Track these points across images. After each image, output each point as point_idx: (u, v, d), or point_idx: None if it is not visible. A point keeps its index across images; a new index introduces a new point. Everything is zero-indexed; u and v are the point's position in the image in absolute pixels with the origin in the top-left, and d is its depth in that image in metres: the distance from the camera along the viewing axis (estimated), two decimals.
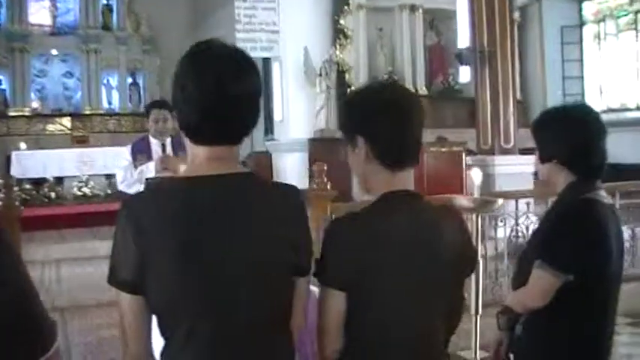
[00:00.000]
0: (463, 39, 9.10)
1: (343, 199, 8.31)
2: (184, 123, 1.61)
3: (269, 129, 14.07)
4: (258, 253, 1.57)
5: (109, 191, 10.92)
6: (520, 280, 2.42)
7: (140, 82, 19.55)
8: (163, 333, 1.60)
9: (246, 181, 1.63)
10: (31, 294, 1.63)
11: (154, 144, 5.07)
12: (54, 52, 18.61)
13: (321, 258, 1.72)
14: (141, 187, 4.82)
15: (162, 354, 1.61)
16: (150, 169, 4.86)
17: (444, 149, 8.65)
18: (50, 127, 18.14)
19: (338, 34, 13.24)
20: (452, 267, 1.79)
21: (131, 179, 4.90)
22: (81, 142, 15.25)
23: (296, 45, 12.60)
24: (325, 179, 5.35)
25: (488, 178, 7.77)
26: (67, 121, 18.39)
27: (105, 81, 19.07)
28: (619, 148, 12.02)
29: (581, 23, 14.82)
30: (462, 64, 8.90)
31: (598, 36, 14.69)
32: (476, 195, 3.63)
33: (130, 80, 19.41)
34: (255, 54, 13.06)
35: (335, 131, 12.45)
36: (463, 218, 1.96)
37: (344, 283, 1.69)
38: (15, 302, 1.54)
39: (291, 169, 12.49)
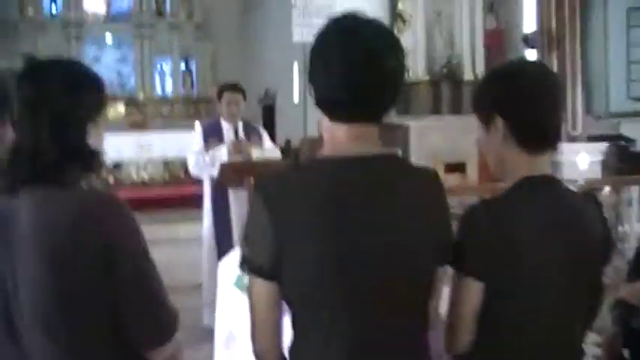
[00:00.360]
0: (529, 23, 8.87)
1: None
2: (325, 99, 1.55)
3: None
4: (404, 241, 1.50)
5: (166, 177, 10.98)
6: (638, 271, 2.30)
7: (193, 67, 19.69)
8: (297, 324, 1.52)
9: (392, 163, 1.56)
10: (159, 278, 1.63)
11: (226, 127, 5.05)
12: (108, 38, 18.84)
13: (457, 246, 1.62)
14: (213, 171, 4.80)
15: (294, 346, 1.54)
16: (223, 153, 4.84)
17: None
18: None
19: (396, 18, 13.04)
20: (594, 255, 1.69)
21: (203, 163, 4.89)
22: (138, 126, 15.39)
23: None
24: None
25: (555, 166, 7.58)
26: (121, 107, 18.62)
27: (158, 67, 19.27)
28: None
29: None
30: (528, 47, 8.64)
31: None
32: (580, 181, 3.49)
33: (183, 66, 19.56)
34: (312, 39, 13.02)
35: (393, 117, 12.35)
36: (602, 205, 1.85)
37: (484, 272, 1.61)
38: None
39: None
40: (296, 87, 17.47)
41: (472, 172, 10.18)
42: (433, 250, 1.54)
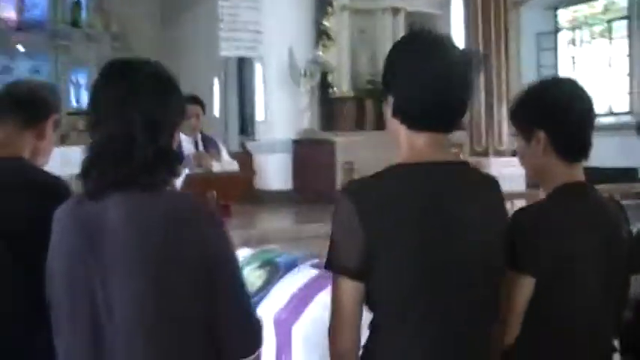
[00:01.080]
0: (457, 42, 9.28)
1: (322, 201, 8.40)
2: (405, 109, 1.64)
3: (250, 129, 14.10)
4: (483, 244, 1.62)
5: None
6: None
7: None
8: (380, 325, 1.62)
9: (465, 169, 1.69)
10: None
11: (185, 140, 5.04)
12: (20, 48, 18.27)
13: (510, 245, 1.75)
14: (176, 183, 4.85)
15: (373, 346, 1.62)
16: (183, 166, 4.87)
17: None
18: None
19: (321, 35, 13.31)
20: (625, 258, 1.89)
21: None
22: (61, 142, 14.97)
23: (279, 45, 12.62)
24: None
25: None
26: None
27: (74, 79, 18.80)
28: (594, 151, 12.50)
29: (556, 30, 15.21)
30: None
31: (573, 42, 15.11)
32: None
33: None
34: (239, 53, 13.16)
35: (318, 132, 12.59)
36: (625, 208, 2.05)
37: (538, 270, 1.76)
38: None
39: (274, 169, 12.50)
40: (217, 101, 17.47)
41: None
42: (502, 251, 1.68)
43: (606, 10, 14.39)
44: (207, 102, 17.66)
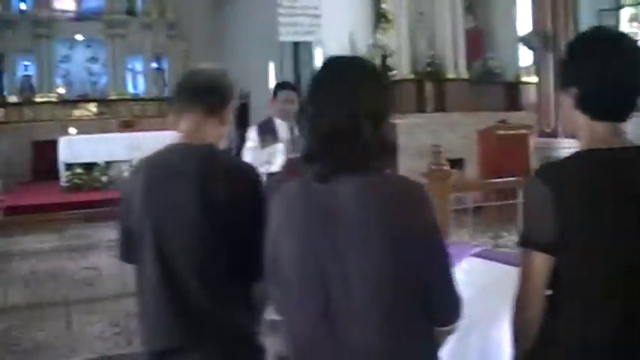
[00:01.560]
0: (523, 24, 9.25)
1: None
2: (591, 102, 1.74)
3: None
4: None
5: None
6: None
7: (165, 66, 19.67)
8: (562, 299, 1.73)
9: None
10: None
11: (280, 125, 5.19)
12: (78, 37, 18.72)
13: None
14: (271, 167, 4.98)
15: (553, 320, 1.74)
16: (280, 150, 5.00)
17: (512, 131, 8.83)
18: (76, 113, 18.28)
19: (379, 18, 13.36)
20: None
21: (260, 160, 5.02)
22: (127, 127, 15.37)
23: (338, 29, 12.73)
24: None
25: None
26: (92, 107, 18.54)
27: (130, 66, 19.21)
28: None
29: (619, 6, 14.96)
30: (528, 48, 9.04)
31: (636, 19, 14.84)
32: None
33: (154, 65, 19.54)
34: (298, 38, 13.29)
35: None
36: None
37: (549, 245, 1.72)
38: None
39: None
40: (272, 86, 17.58)
41: (470, 168, 10.55)
42: None
43: None
44: (263, 86, 18.00)
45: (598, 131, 1.74)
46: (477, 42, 14.91)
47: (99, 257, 6.08)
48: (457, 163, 9.79)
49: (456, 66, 13.85)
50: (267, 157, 5.06)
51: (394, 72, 13.30)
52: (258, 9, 17.53)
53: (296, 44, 16.25)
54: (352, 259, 1.59)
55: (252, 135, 5.23)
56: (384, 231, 1.59)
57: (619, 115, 1.73)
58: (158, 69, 19.57)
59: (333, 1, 12.68)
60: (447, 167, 4.93)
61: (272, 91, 5.44)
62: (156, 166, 2.07)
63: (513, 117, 11.62)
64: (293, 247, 1.68)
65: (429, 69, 13.57)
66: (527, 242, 1.74)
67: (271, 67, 17.69)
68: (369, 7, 13.26)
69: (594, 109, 1.73)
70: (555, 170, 1.75)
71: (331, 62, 1.82)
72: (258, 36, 17.57)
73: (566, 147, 8.75)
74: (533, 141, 8.53)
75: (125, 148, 11.76)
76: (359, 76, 1.73)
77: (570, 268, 1.68)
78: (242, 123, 19.30)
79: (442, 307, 1.72)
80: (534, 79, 15.22)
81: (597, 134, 1.73)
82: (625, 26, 14.96)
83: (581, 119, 1.75)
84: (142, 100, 19.11)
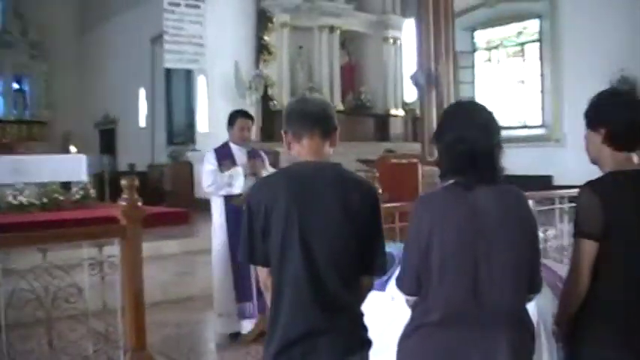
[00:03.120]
0: (409, 63, 10.19)
1: None
2: (617, 139, 2.43)
3: (190, 140, 14.57)
4: None
5: (44, 200, 10.91)
6: None
7: (27, 87, 19.13)
8: (602, 284, 2.39)
9: None
10: None
11: (237, 150, 5.60)
12: None
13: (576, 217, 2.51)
14: (231, 190, 5.40)
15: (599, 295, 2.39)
16: (239, 173, 5.43)
17: (405, 160, 9.69)
18: None
19: (262, 50, 14.01)
20: None
21: (221, 182, 5.41)
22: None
23: (222, 59, 13.20)
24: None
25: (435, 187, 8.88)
26: None
27: None
28: (511, 161, 13.82)
29: (474, 49, 16.61)
30: (416, 86, 10.01)
31: (489, 61, 16.58)
32: None
33: (15, 86, 18.94)
34: (182, 65, 13.60)
35: (262, 143, 13.22)
36: None
37: (597, 234, 2.37)
38: None
39: None
40: (143, 112, 17.64)
41: None
42: None
43: (519, 33, 15.96)
44: (133, 112, 17.92)
45: (619, 158, 2.45)
46: (351, 76, 16.03)
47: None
48: None
49: (332, 98, 14.81)
50: (227, 179, 5.44)
51: (275, 102, 14.01)
52: (130, 34, 17.59)
53: (168, 71, 16.46)
54: (496, 245, 2.20)
55: (210, 159, 5.58)
56: (516, 224, 2.26)
57: (632, 148, 2.46)
58: (19, 90, 18.95)
59: (217, 31, 13.14)
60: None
61: (228, 117, 5.78)
62: (294, 178, 2.44)
63: (406, 147, 12.75)
64: (451, 238, 2.20)
65: None
66: (580, 233, 2.40)
67: (142, 92, 17.73)
68: (252, 39, 13.88)
69: (619, 144, 2.44)
70: (598, 183, 2.45)
71: (464, 102, 2.45)
72: (128, 61, 17.61)
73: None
74: (422, 169, 9.39)
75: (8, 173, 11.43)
76: (489, 114, 2.35)
77: (611, 253, 2.37)
78: (108, 148, 19.24)
79: (538, 277, 2.38)
80: (401, 112, 16.57)
81: (619, 161, 2.46)
82: (479, 66, 16.68)
83: (606, 151, 2.46)
84: (1, 122, 18.44)
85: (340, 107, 15.00)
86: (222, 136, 13.05)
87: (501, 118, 13.13)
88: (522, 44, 16.04)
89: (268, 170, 5.57)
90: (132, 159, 18.02)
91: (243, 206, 2.57)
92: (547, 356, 3.01)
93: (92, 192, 11.56)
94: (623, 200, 2.36)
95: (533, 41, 15.69)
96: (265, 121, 13.74)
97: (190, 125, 15.63)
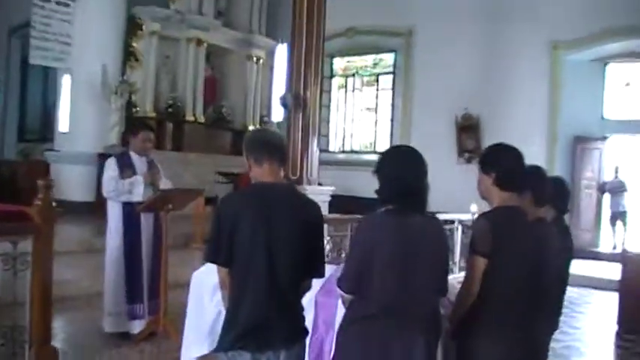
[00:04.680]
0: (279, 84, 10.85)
1: None
2: (503, 181, 3.08)
3: (49, 139, 14.39)
4: None
5: None
6: None
7: None
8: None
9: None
10: None
11: (137, 160, 5.97)
12: None
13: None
14: (132, 198, 5.76)
15: None
16: (139, 182, 5.80)
17: None
18: None
19: (129, 55, 14.20)
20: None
21: (122, 189, 5.75)
22: None
23: (89, 59, 13.21)
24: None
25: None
26: None
27: None
28: (360, 184, 14.86)
29: (331, 75, 17.65)
30: (284, 107, 10.68)
31: (345, 87, 17.69)
32: None
33: None
34: (48, 62, 13.49)
35: (120, 148, 13.34)
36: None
37: (487, 252, 2.97)
38: None
39: (75, 180, 12.92)
40: None
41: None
42: None
43: (375, 64, 17.26)
44: None
45: (504, 197, 3.12)
46: (213, 89, 16.55)
47: None
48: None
49: (195, 109, 15.26)
50: (128, 187, 5.79)
51: (137, 109, 14.22)
52: None
53: (24, 65, 16.09)
54: (420, 260, 2.83)
55: (112, 165, 5.89)
56: (435, 246, 2.93)
57: (517, 188, 3.21)
58: None
59: (85, 32, 13.18)
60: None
61: (131, 128, 6.12)
62: (260, 195, 2.95)
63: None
64: (389, 253, 2.79)
65: (169, 109, 14.75)
66: (474, 251, 3.03)
67: None
68: (120, 43, 14.00)
69: (505, 186, 3.17)
70: (490, 214, 3.11)
71: (402, 146, 3.16)
72: None
73: (312, 193, 10.46)
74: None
75: None
76: (422, 158, 2.96)
77: (496, 268, 2.98)
78: None
79: (446, 286, 3.03)
80: (258, 127, 17.27)
81: (504, 198, 3.12)
82: (335, 92, 17.75)
83: (495, 190, 3.20)
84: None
85: (201, 119, 15.53)
86: (83, 137, 13.31)
87: (351, 142, 14.27)
88: (377, 74, 17.31)
89: (165, 181, 6.02)
90: None
91: (215, 216, 2.97)
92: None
93: None
94: (507, 228, 3.04)
95: (387, 73, 17.01)
96: (127, 128, 13.82)
97: (45, 123, 15.43)
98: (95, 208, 12.50)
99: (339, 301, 3.99)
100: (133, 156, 5.99)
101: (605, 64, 14.13)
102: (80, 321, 6.23)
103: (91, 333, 5.93)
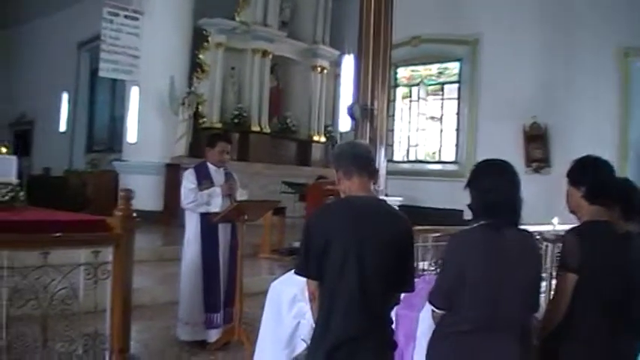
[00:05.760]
0: (346, 95, 10.88)
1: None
2: (594, 195, 3.09)
3: (116, 149, 14.73)
4: None
5: None
6: None
7: None
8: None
9: None
10: None
11: (214, 171, 6.06)
12: None
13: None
14: (210, 209, 5.85)
15: None
16: (217, 193, 5.89)
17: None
18: None
19: (196, 67, 14.47)
20: None
21: (200, 200, 5.85)
22: None
23: (156, 72, 13.56)
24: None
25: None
26: None
27: None
28: (425, 194, 14.75)
29: (395, 85, 17.61)
30: (351, 117, 10.70)
31: (409, 96, 17.63)
32: None
33: None
34: (117, 75, 13.88)
35: (188, 159, 13.57)
36: None
37: (576, 267, 2.98)
38: None
39: (143, 190, 13.18)
40: (64, 116, 17.58)
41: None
42: None
43: (440, 73, 17.15)
44: (54, 115, 17.82)
45: (593, 211, 3.12)
46: (278, 100, 16.71)
47: None
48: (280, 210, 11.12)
49: (260, 120, 15.42)
50: (207, 198, 5.89)
51: (204, 120, 14.46)
52: (56, 36, 17.59)
53: (93, 78, 16.57)
54: (514, 276, 2.81)
55: (190, 177, 6.01)
56: (530, 261, 2.92)
57: (607, 202, 3.17)
58: None
59: (153, 45, 13.50)
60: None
61: (208, 139, 6.22)
62: (353, 208, 2.98)
63: (321, 172, 13.48)
64: (482, 270, 2.79)
65: (235, 120, 14.94)
66: (564, 267, 3.02)
67: (65, 96, 17.71)
68: (187, 56, 14.31)
69: (594, 199, 3.15)
70: (580, 228, 3.11)
71: (493, 160, 3.04)
72: (52, 63, 17.56)
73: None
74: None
75: None
76: (514, 171, 2.95)
77: (586, 284, 3.05)
78: (24, 149, 18.96)
79: (538, 300, 3.03)
80: (322, 138, 17.34)
81: (593, 213, 3.12)
82: (399, 102, 17.69)
83: (584, 204, 3.18)
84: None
85: (266, 129, 15.68)
86: (150, 147, 13.59)
87: (416, 152, 14.18)
88: (442, 84, 17.21)
89: (241, 191, 6.09)
90: (47, 162, 17.96)
91: (306, 229, 3.00)
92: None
93: (22, 194, 11.59)
94: (597, 243, 3.01)
95: (453, 82, 16.90)
96: (195, 138, 14.17)
97: (112, 134, 15.84)
98: (163, 218, 12.86)
99: (420, 315, 4.01)
100: (211, 167, 6.07)
101: None
102: (155, 329, 6.34)
103: (166, 341, 6.04)
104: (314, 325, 3.06)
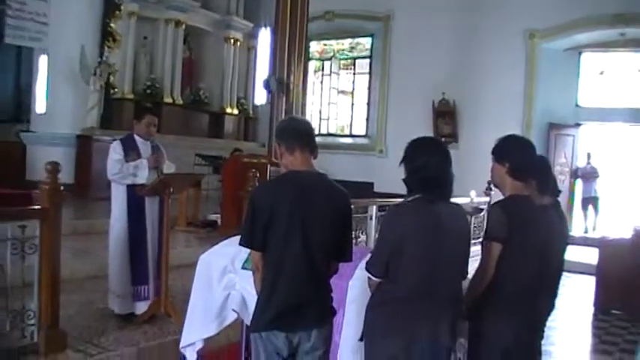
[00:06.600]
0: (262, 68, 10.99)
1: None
2: (518, 171, 3.34)
3: (17, 119, 14.31)
4: None
5: None
6: None
7: None
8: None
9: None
10: None
11: (142, 143, 6.08)
12: None
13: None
14: (137, 180, 5.87)
15: None
16: (144, 165, 5.92)
17: (255, 160, 10.52)
18: None
19: (107, 36, 14.16)
20: None
21: (127, 172, 5.86)
22: None
23: (66, 40, 13.19)
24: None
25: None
26: None
27: None
28: (337, 167, 15.10)
29: (308, 58, 17.75)
30: (267, 90, 10.83)
31: (322, 70, 17.87)
32: None
33: None
34: (23, 43, 13.40)
35: (98, 130, 13.32)
36: None
37: (503, 238, 3.21)
38: None
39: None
40: None
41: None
42: None
43: (352, 48, 17.47)
44: None
45: (516, 186, 3.38)
46: (190, 71, 16.61)
47: None
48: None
49: (172, 91, 15.32)
50: (133, 170, 5.90)
51: (116, 90, 14.23)
52: None
53: (28, 50, 15.78)
54: (449, 246, 3.03)
55: (117, 148, 5.97)
56: (461, 232, 3.17)
57: (527, 178, 3.47)
58: None
59: (62, 11, 13.12)
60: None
61: (136, 112, 6.21)
62: (295, 183, 3.13)
63: (235, 145, 13.51)
64: (420, 239, 2.98)
65: (148, 91, 14.79)
66: (491, 237, 3.26)
67: None
68: (98, 23, 13.99)
69: (518, 175, 3.44)
70: (505, 201, 3.37)
71: (425, 137, 3.32)
72: None
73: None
74: (270, 169, 10.15)
75: None
76: (446, 147, 3.25)
77: (510, 254, 3.21)
78: None
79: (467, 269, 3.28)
80: (235, 111, 17.37)
81: (516, 188, 3.38)
82: (311, 75, 17.90)
83: (508, 180, 3.46)
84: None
85: (179, 101, 15.62)
86: (61, 118, 13.26)
87: (327, 125, 14.49)
88: (354, 58, 17.55)
89: (168, 164, 6.16)
90: None
91: (251, 202, 3.13)
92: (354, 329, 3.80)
93: None
94: (521, 216, 3.28)
95: (365, 57, 17.27)
96: (106, 109, 13.97)
97: (19, 104, 15.32)
98: (75, 190, 12.55)
99: (350, 283, 4.24)
100: (138, 140, 6.07)
101: (580, 53, 14.55)
102: (78, 304, 6.32)
103: (91, 315, 6.03)
104: (256, 295, 3.24)
